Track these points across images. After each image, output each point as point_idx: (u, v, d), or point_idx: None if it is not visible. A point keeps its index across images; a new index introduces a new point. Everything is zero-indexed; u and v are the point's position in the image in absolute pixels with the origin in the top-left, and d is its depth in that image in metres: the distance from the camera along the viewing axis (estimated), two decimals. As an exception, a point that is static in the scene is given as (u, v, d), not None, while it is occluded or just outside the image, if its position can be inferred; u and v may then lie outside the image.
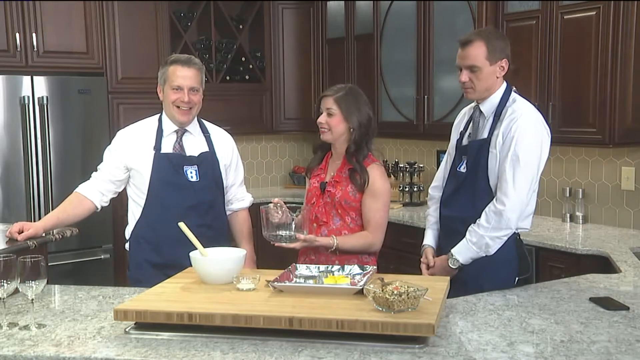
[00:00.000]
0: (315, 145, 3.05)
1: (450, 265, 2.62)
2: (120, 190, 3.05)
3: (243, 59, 5.66)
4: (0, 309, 2.19)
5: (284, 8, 5.71)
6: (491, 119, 2.63)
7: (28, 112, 4.51)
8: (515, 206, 2.53)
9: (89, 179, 3.04)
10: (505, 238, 2.58)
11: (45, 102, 4.54)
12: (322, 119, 2.84)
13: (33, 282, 2.10)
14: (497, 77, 2.63)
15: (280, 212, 2.66)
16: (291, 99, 5.77)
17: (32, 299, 2.16)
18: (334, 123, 2.82)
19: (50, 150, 4.58)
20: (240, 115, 5.50)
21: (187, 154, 2.96)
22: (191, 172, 2.94)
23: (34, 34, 4.59)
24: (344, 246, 2.78)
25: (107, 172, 2.99)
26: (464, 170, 2.71)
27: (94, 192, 2.99)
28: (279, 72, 5.75)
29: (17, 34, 4.54)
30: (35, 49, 4.60)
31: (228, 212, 3.14)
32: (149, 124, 3.03)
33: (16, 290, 2.16)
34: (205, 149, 3.02)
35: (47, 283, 2.20)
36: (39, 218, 4.54)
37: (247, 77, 5.69)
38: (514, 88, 2.69)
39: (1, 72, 4.48)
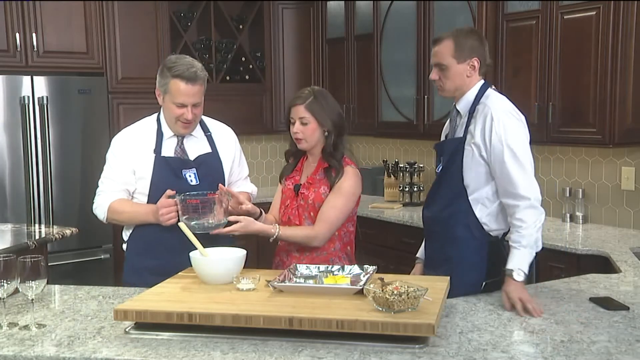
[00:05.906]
0: (287, 153, 2.95)
1: (517, 279, 2.32)
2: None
3: (243, 59, 5.66)
4: (0, 309, 2.19)
5: (284, 8, 5.71)
6: (466, 117, 2.59)
7: (28, 112, 4.51)
8: (535, 190, 2.43)
9: (92, 180, 2.92)
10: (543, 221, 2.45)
11: (45, 102, 4.54)
12: (297, 129, 2.76)
13: (33, 282, 2.10)
14: (468, 76, 2.58)
15: (227, 200, 2.62)
16: (291, 99, 5.74)
17: (32, 299, 2.16)
18: (309, 132, 2.75)
19: (50, 150, 4.58)
20: (240, 115, 5.47)
21: (191, 157, 2.89)
22: (190, 176, 2.87)
23: (34, 34, 4.59)
24: (285, 233, 2.69)
25: (121, 182, 2.85)
26: (439, 170, 2.67)
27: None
28: (279, 72, 5.75)
29: (17, 34, 4.54)
30: (35, 49, 4.60)
31: None
32: (147, 125, 2.93)
33: (16, 290, 2.16)
34: (208, 149, 2.94)
35: (47, 283, 2.21)
36: (39, 218, 4.56)
37: (247, 77, 5.69)
38: (493, 86, 2.64)
39: (1, 72, 4.48)
